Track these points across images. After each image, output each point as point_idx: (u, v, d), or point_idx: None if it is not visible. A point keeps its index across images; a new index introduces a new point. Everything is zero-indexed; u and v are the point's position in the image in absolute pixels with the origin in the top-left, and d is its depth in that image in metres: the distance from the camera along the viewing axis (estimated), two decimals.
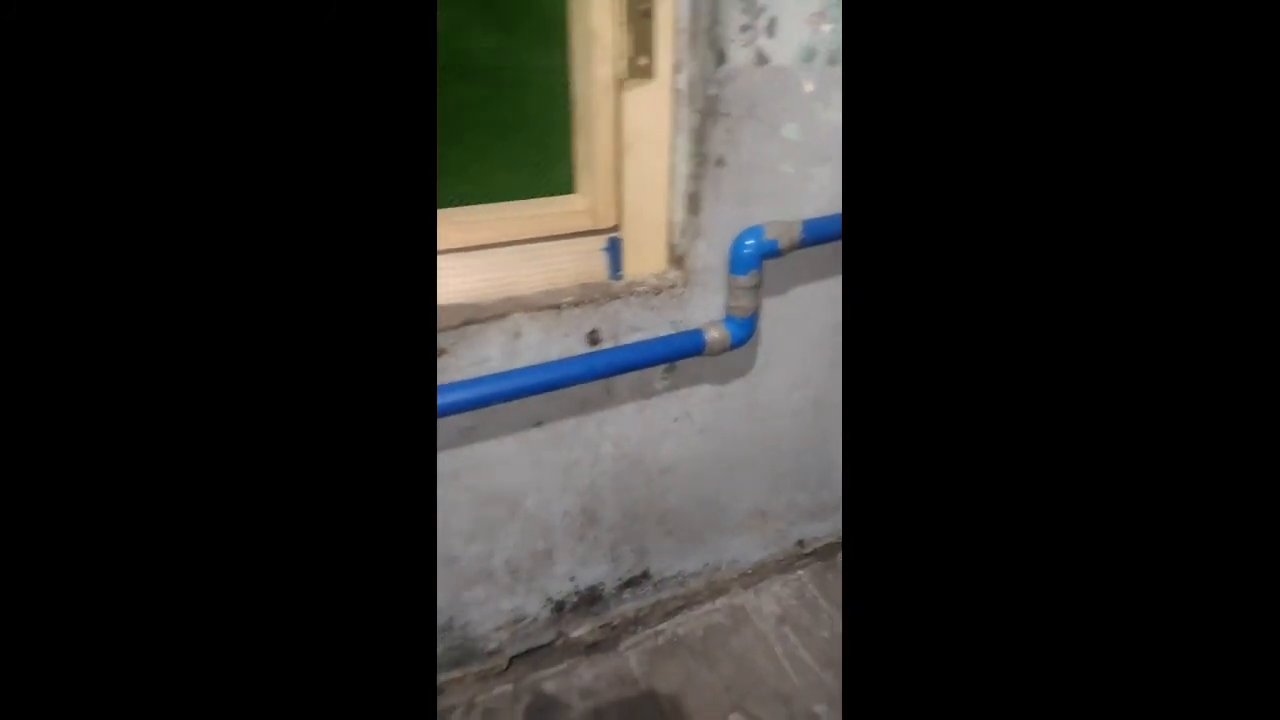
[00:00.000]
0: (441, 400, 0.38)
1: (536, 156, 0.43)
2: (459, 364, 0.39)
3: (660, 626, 0.55)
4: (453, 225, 0.39)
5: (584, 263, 0.43)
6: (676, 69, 0.38)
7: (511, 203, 0.41)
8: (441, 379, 0.39)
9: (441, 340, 0.38)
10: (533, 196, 0.42)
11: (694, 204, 0.41)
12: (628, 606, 0.54)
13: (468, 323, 0.38)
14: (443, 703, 0.49)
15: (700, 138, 0.39)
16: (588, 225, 0.42)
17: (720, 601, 0.57)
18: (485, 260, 0.41)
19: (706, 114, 0.38)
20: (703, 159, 0.40)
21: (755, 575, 0.59)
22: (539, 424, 0.43)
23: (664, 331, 0.43)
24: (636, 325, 0.43)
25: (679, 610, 0.56)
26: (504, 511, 0.45)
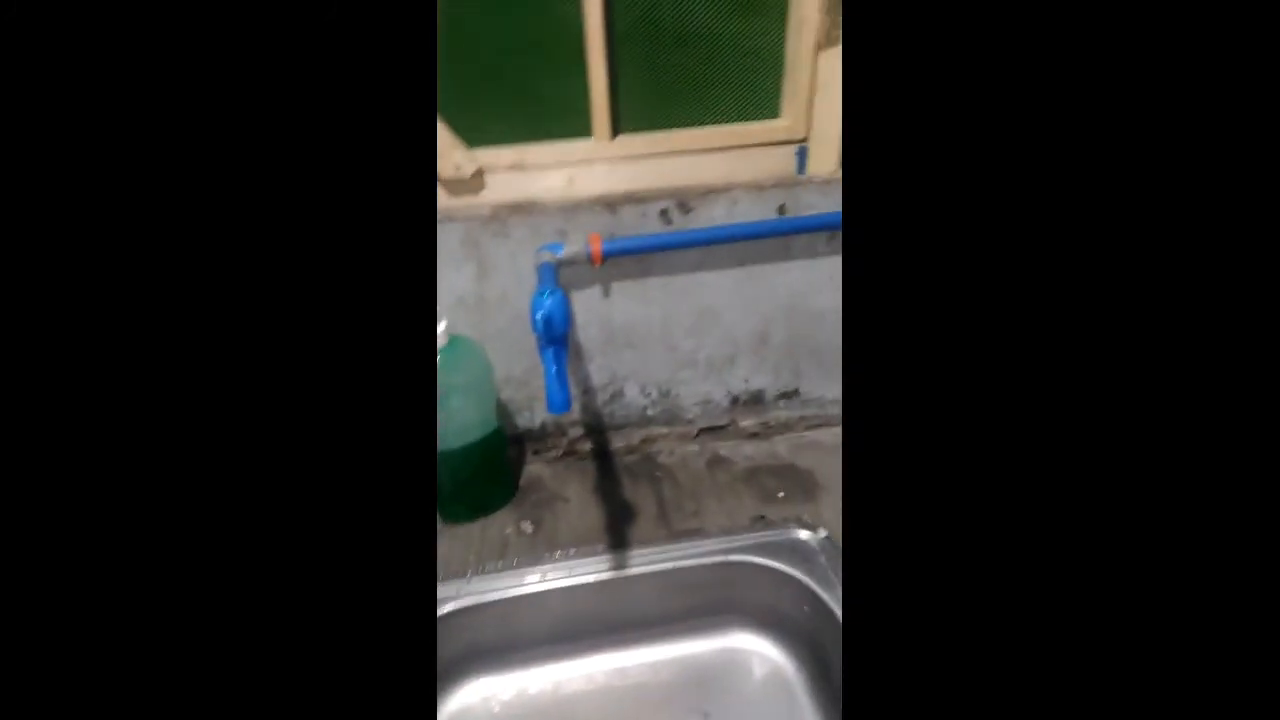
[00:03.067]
0: (687, 238, 0.64)
1: (753, 95, 0.65)
2: (698, 219, 0.64)
3: (804, 433, 0.78)
4: (703, 135, 0.64)
5: (781, 162, 0.66)
6: None
7: (738, 124, 0.65)
8: (688, 225, 0.64)
9: (690, 202, 0.64)
10: (750, 121, 0.66)
11: None
12: (781, 413, 0.78)
13: (707, 193, 0.63)
14: (653, 448, 0.77)
15: None
16: (785, 137, 0.65)
17: None
18: (717, 158, 0.65)
19: None
20: None
21: None
22: (741, 264, 0.67)
23: (831, 210, 0.65)
24: (812, 205, 0.65)
25: (819, 425, 0.79)
26: (710, 322, 0.70)
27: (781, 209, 0.65)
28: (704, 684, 0.64)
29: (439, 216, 0.61)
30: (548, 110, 0.62)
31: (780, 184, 0.64)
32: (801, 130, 0.64)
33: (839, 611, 0.59)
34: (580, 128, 0.63)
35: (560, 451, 0.75)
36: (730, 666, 0.66)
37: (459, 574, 0.62)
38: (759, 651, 0.66)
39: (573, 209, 0.62)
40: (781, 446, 0.77)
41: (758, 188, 0.64)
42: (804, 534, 0.65)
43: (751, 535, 0.65)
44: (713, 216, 0.64)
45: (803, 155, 0.65)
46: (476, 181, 0.62)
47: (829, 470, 0.73)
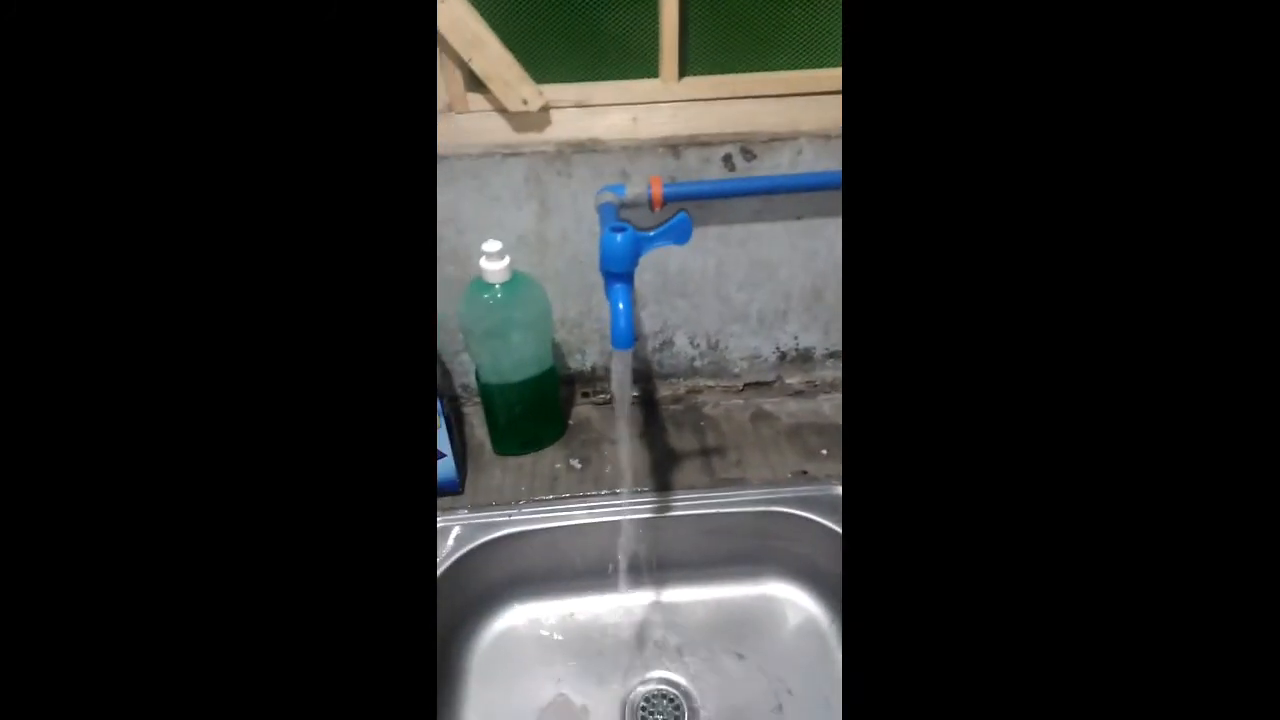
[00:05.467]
0: (751, 186, 0.63)
1: (823, 40, 0.63)
2: (761, 167, 0.64)
3: None
4: (771, 80, 0.63)
5: None
6: None
7: (808, 70, 0.64)
8: (751, 174, 0.64)
9: (755, 149, 0.63)
10: (820, 68, 0.64)
11: None
12: (828, 372, 0.78)
13: (772, 140, 0.63)
14: (698, 399, 0.78)
15: None
16: None
17: None
18: (784, 104, 0.64)
19: None
20: None
21: None
22: (799, 218, 0.67)
23: None
24: None
25: None
26: (764, 275, 0.70)
27: None
28: (739, 627, 0.66)
29: (504, 151, 0.61)
30: (615, 47, 0.61)
31: None
32: None
33: None
34: (647, 67, 0.62)
35: (609, 396, 0.76)
36: (766, 613, 0.67)
37: (510, 502, 0.64)
38: (794, 600, 0.68)
39: (636, 150, 0.62)
40: (826, 406, 0.77)
41: (824, 137, 0.63)
42: None
43: (793, 488, 0.66)
44: (777, 164, 0.63)
45: None
46: (542, 117, 0.62)
47: None
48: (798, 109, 0.64)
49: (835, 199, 0.66)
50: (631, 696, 0.62)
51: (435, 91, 0.59)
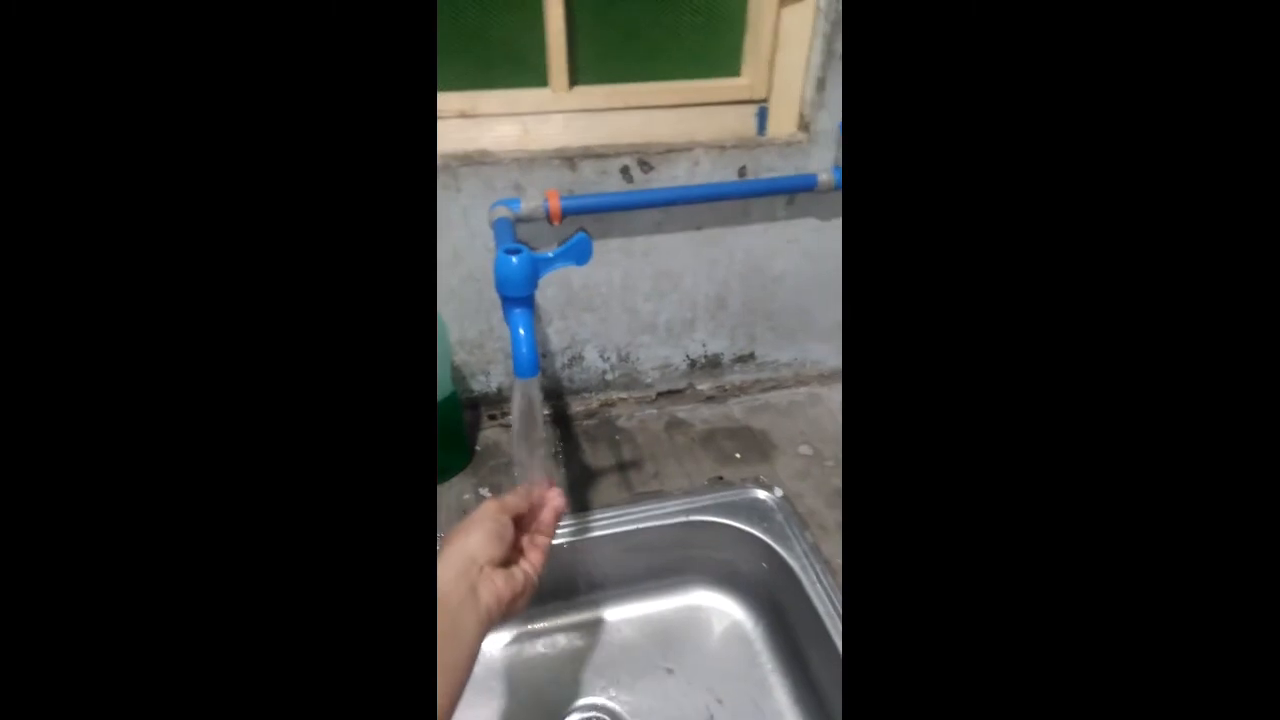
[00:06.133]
0: (650, 198, 0.62)
1: (714, 50, 0.64)
2: (660, 178, 0.63)
3: (758, 395, 0.80)
4: (663, 90, 0.62)
5: (742, 122, 0.65)
6: None
7: (699, 80, 0.64)
8: (649, 185, 0.63)
9: (651, 160, 0.62)
10: (711, 77, 0.64)
11: (821, 85, 0.62)
12: (736, 376, 0.79)
13: (669, 151, 0.62)
14: (613, 412, 0.76)
15: (829, 41, 0.59)
16: (747, 97, 0.64)
17: (802, 390, 0.80)
18: (678, 115, 0.64)
19: (835, 24, 0.58)
20: (830, 55, 0.60)
21: (832, 377, 0.81)
22: (699, 228, 0.67)
23: (790, 173, 0.65)
24: (771, 167, 0.65)
25: (773, 388, 0.80)
26: (669, 285, 0.70)
27: (742, 171, 0.64)
28: (667, 641, 0.65)
29: None
30: (501, 55, 0.58)
31: (741, 145, 0.63)
32: (762, 90, 0.64)
33: (796, 567, 0.60)
34: (536, 76, 0.60)
35: None
36: (692, 623, 0.67)
37: None
38: (718, 608, 0.68)
39: (529, 162, 0.59)
40: (737, 409, 0.78)
41: (719, 148, 0.63)
42: (761, 493, 0.66)
43: (711, 495, 0.66)
44: (674, 176, 0.63)
45: (763, 116, 0.65)
46: None
47: (783, 432, 0.74)
48: (693, 119, 0.64)
49: (734, 208, 0.67)
50: None
51: (435, 91, 0.55)
